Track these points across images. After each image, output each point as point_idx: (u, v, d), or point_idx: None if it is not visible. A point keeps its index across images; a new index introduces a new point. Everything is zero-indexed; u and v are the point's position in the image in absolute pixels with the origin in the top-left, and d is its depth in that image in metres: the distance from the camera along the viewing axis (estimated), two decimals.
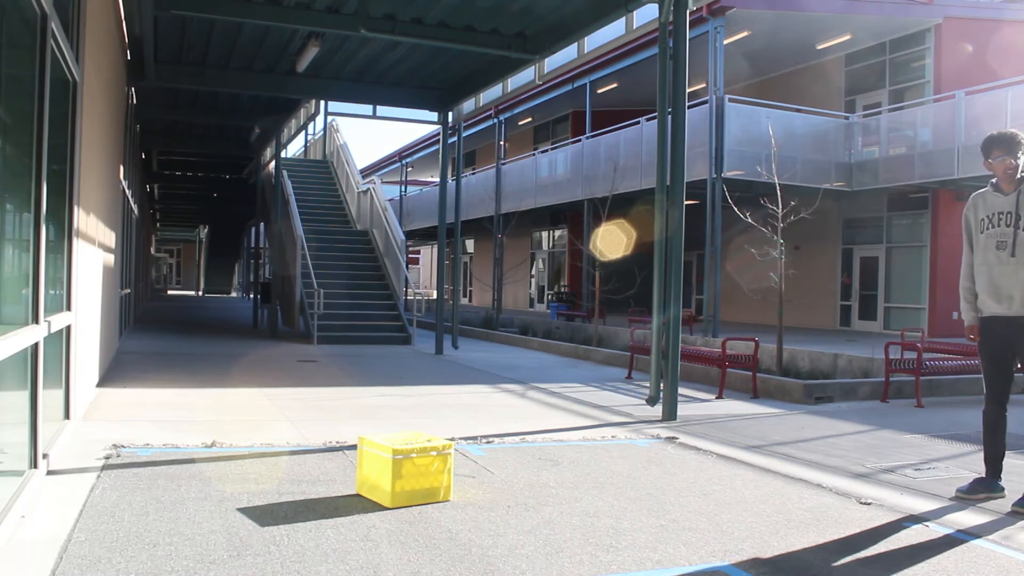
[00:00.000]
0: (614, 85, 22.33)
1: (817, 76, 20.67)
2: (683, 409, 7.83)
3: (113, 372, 9.62)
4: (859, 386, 9.47)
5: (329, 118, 23.80)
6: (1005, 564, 3.69)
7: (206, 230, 44.52)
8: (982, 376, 4.93)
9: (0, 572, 3.24)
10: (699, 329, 17.13)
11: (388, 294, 17.01)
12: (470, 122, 25.56)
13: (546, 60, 13.70)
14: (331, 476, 4.93)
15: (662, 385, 7.73)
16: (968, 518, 4.41)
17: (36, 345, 4.28)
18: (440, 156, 15.02)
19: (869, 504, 4.66)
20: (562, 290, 26.25)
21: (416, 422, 6.91)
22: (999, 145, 4.78)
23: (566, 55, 20.73)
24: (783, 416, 8.01)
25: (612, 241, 16.92)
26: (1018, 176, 4.76)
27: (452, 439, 5.77)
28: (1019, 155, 4.74)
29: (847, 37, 19.07)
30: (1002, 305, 4.77)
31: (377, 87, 13.62)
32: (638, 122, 19.08)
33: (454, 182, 16.90)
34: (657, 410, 7.77)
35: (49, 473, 4.71)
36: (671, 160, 7.75)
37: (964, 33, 18.30)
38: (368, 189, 19.62)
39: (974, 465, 5.36)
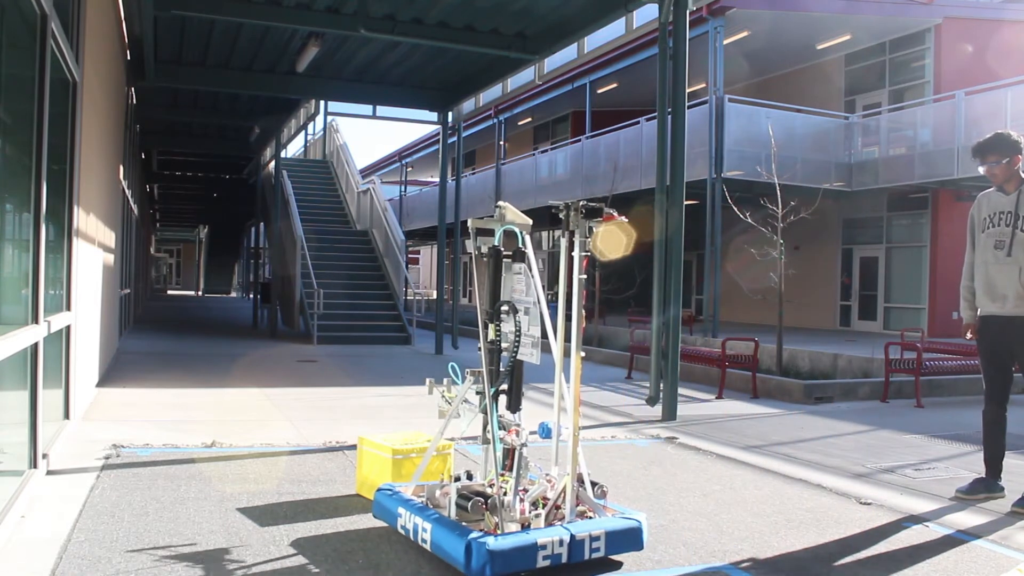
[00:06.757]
0: (614, 85, 22.33)
1: (817, 76, 20.66)
2: (683, 409, 7.83)
3: (113, 372, 9.62)
4: (859, 386, 9.47)
5: (329, 118, 23.80)
6: (1004, 564, 3.69)
7: (206, 230, 44.50)
8: (982, 375, 4.94)
9: (0, 572, 3.24)
10: (699, 329, 17.12)
11: (388, 294, 17.01)
12: (470, 122, 25.55)
13: (546, 60, 13.72)
14: (331, 476, 4.93)
15: (662, 385, 7.73)
16: (968, 518, 4.41)
17: (36, 345, 4.28)
18: (440, 156, 15.02)
19: (869, 504, 4.66)
20: None
21: (416, 422, 6.91)
22: (974, 156, 4.92)
23: (566, 55, 20.73)
24: (783, 416, 8.01)
25: (612, 241, 16.89)
26: (1021, 175, 4.77)
27: (452, 439, 5.76)
28: (991, 160, 4.78)
29: (847, 37, 19.06)
30: (996, 304, 4.79)
31: (377, 87, 13.62)
32: (638, 122, 19.06)
33: (454, 182, 16.89)
34: (657, 410, 7.77)
35: (49, 473, 4.71)
36: (671, 160, 7.75)
37: (964, 33, 18.29)
38: (368, 189, 19.62)
39: (974, 465, 5.36)
